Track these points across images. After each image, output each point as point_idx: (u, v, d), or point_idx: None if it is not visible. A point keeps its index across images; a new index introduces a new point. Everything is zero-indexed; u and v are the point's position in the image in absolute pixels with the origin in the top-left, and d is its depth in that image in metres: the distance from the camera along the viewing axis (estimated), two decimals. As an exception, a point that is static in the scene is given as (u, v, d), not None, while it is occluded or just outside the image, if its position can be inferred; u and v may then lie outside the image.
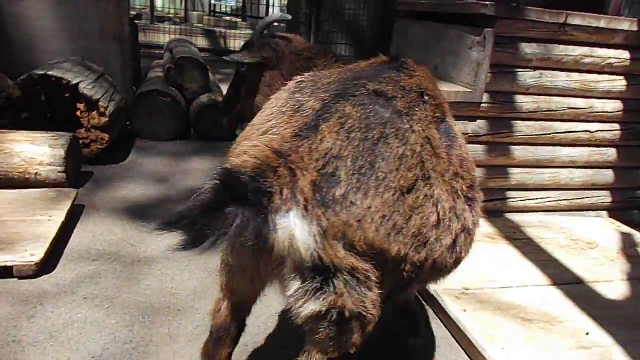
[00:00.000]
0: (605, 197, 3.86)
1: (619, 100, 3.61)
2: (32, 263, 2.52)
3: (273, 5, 14.42)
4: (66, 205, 3.08)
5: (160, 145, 4.83)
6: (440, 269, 1.53)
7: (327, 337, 1.34)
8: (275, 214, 1.14)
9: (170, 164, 4.41)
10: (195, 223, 1.06)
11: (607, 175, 3.80)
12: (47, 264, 2.63)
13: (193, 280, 2.70)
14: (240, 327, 1.74)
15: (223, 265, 1.59)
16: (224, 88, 4.21)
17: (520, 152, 3.52)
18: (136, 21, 6.45)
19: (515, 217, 3.64)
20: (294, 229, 1.16)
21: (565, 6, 3.27)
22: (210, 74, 5.41)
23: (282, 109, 1.46)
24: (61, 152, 3.41)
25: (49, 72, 3.86)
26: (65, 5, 4.53)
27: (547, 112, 3.46)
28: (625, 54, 3.47)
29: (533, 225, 3.54)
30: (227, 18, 14.73)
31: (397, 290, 1.52)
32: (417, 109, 1.49)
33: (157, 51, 8.80)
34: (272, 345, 2.25)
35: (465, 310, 2.47)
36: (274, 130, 1.38)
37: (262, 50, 2.93)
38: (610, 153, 3.74)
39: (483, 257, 2.94)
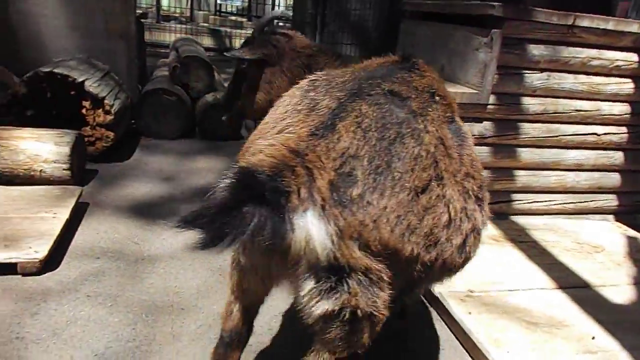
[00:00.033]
0: (611, 200, 3.83)
1: (627, 103, 3.59)
2: (36, 260, 2.52)
3: (279, 5, 14.43)
4: (71, 203, 3.09)
5: (165, 144, 4.83)
6: (450, 269, 1.53)
7: (338, 337, 1.34)
8: (293, 214, 1.14)
9: (175, 162, 4.41)
10: (214, 222, 1.05)
11: (614, 178, 3.78)
12: (51, 261, 2.63)
13: (197, 279, 2.69)
14: (250, 329, 1.74)
15: (234, 265, 1.59)
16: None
17: (526, 155, 3.50)
18: (142, 20, 6.46)
19: (521, 219, 3.61)
20: (311, 229, 1.15)
21: (572, 8, 3.25)
22: (215, 74, 5.42)
23: (297, 107, 1.46)
24: (66, 149, 3.42)
25: (55, 70, 3.86)
26: (72, 3, 4.55)
27: (554, 115, 3.44)
28: (633, 57, 3.44)
29: (538, 228, 3.52)
30: (233, 18, 14.77)
31: (407, 290, 1.52)
32: (429, 109, 1.50)
33: (163, 50, 8.83)
34: (277, 346, 2.24)
35: (470, 313, 2.45)
36: (290, 129, 1.37)
37: (263, 47, 2.91)
38: (618, 156, 3.72)
39: (488, 260, 2.92)
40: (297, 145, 1.24)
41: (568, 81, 3.39)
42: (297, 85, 1.64)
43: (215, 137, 5.06)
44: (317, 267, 1.21)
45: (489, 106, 3.25)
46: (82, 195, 3.32)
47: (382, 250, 1.25)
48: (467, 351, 2.34)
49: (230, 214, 1.06)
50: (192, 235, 1.06)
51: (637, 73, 3.50)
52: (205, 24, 12.94)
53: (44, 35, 4.52)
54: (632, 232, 3.65)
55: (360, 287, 1.25)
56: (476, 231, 1.53)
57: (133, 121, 4.89)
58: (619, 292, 2.80)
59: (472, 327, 2.35)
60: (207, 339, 2.24)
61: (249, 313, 1.70)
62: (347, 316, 1.27)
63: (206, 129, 5.07)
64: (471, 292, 2.64)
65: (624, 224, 3.78)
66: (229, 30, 11.43)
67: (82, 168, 3.72)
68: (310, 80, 1.62)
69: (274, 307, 2.43)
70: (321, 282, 1.23)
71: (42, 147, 3.38)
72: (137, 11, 5.70)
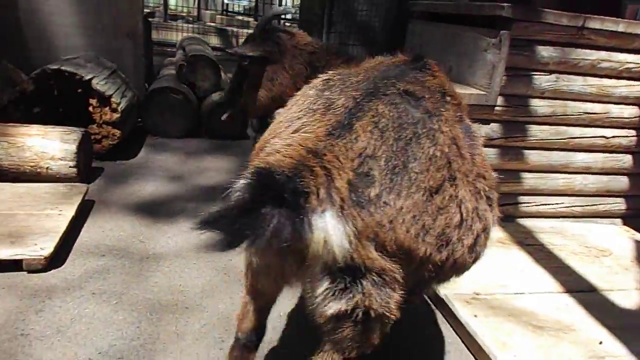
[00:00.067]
0: (619, 204, 3.80)
1: (637, 106, 3.55)
2: (42, 257, 2.52)
3: (285, 5, 14.42)
4: (76, 200, 3.09)
5: (171, 142, 4.83)
6: (459, 269, 1.53)
7: (348, 337, 1.33)
8: (312, 215, 1.13)
9: (181, 161, 4.41)
10: (234, 223, 1.05)
11: (623, 182, 3.74)
12: (57, 258, 2.63)
13: (201, 278, 2.69)
14: (264, 329, 1.75)
15: (248, 266, 1.58)
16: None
17: (534, 157, 3.47)
18: (150, 19, 6.47)
19: (528, 222, 3.59)
20: (329, 230, 1.14)
21: (581, 10, 3.22)
22: (222, 73, 5.42)
23: (313, 107, 1.45)
24: (73, 147, 3.42)
25: (63, 67, 3.87)
26: (80, 2, 4.56)
27: (563, 117, 3.41)
28: (644, 60, 3.41)
29: (545, 231, 3.49)
30: (240, 17, 14.78)
31: (416, 290, 1.52)
32: (442, 109, 1.49)
33: (170, 49, 8.84)
34: (283, 346, 2.23)
35: (476, 316, 2.43)
36: (306, 128, 1.36)
37: (265, 44, 2.89)
38: (626, 160, 3.68)
39: (495, 263, 2.90)
40: (315, 145, 1.23)
41: (577, 83, 3.36)
42: (310, 85, 1.64)
43: (221, 136, 5.05)
44: (333, 267, 1.21)
45: (496, 108, 3.23)
46: (88, 192, 3.32)
47: (397, 251, 1.25)
48: (472, 354, 2.32)
49: (249, 215, 1.06)
50: (199, 235, 1.05)
51: (648, 76, 3.48)
52: (212, 24, 12.96)
53: (52, 33, 4.54)
54: (640, 237, 3.62)
55: (375, 287, 1.24)
56: (487, 231, 1.52)
57: (139, 119, 4.89)
58: (626, 297, 2.77)
59: (478, 330, 2.33)
60: (211, 338, 2.23)
61: (263, 313, 1.71)
62: (359, 316, 1.27)
63: (212, 128, 5.06)
64: (477, 294, 2.62)
65: (632, 227, 3.75)
66: (235, 29, 11.44)
67: (88, 166, 3.73)
68: (324, 80, 1.61)
69: (277, 307, 2.42)
70: (336, 283, 1.23)
71: (48, 145, 3.39)
72: (145, 10, 5.71)
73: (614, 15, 3.51)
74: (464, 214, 1.41)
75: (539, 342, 2.31)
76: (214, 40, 10.56)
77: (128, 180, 3.84)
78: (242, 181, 1.12)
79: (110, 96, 3.99)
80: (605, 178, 3.69)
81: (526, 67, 3.23)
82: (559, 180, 3.59)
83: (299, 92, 1.65)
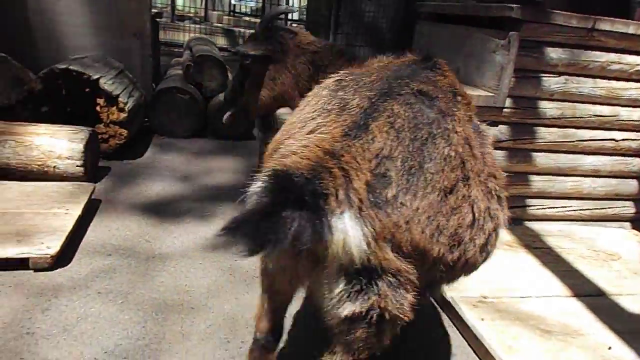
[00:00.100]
0: (628, 208, 3.76)
1: (647, 109, 3.52)
2: (48, 256, 2.52)
3: (292, 6, 14.44)
4: (83, 200, 3.10)
5: (178, 142, 4.84)
6: (470, 269, 1.52)
7: (360, 339, 1.32)
8: (332, 217, 1.12)
9: (187, 161, 4.42)
10: (258, 228, 1.04)
11: (632, 185, 3.71)
12: (63, 257, 2.64)
13: (207, 278, 2.68)
14: (282, 329, 1.74)
15: (264, 267, 1.58)
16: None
17: (542, 159, 3.45)
18: (157, 19, 6.49)
19: (535, 225, 3.56)
20: (348, 231, 1.14)
21: (591, 11, 3.20)
22: (229, 73, 5.42)
23: (327, 107, 1.44)
24: (80, 146, 3.43)
25: (71, 67, 3.89)
26: (88, 2, 4.58)
27: (572, 119, 3.39)
28: (654, 62, 3.38)
29: (553, 234, 3.46)
30: (247, 18, 14.80)
31: (428, 290, 1.51)
32: (454, 109, 1.49)
33: (177, 49, 8.88)
34: (291, 346, 2.21)
35: (483, 319, 2.41)
36: (321, 129, 1.35)
37: (267, 43, 2.85)
38: (636, 163, 3.65)
39: (502, 266, 2.88)
40: (332, 146, 1.22)
41: (586, 85, 3.33)
42: (322, 85, 1.63)
43: (227, 136, 5.06)
44: (350, 268, 1.20)
45: (505, 109, 3.21)
46: (95, 192, 3.33)
47: (412, 252, 1.25)
48: (479, 358, 2.30)
49: (270, 219, 1.05)
50: (205, 235, 1.04)
51: (658, 78, 3.44)
52: (219, 24, 12.99)
53: (60, 33, 4.56)
54: (649, 241, 3.58)
55: (390, 289, 1.23)
56: (498, 231, 1.52)
57: (146, 119, 4.90)
58: (635, 301, 2.74)
59: (484, 333, 2.31)
60: (216, 338, 2.22)
61: (279, 313, 1.71)
62: (373, 318, 1.26)
63: (219, 128, 5.07)
64: (484, 297, 2.60)
65: (641, 231, 3.72)
66: (242, 30, 11.46)
67: (95, 165, 3.74)
68: (336, 80, 1.60)
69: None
70: (352, 284, 1.22)
71: (56, 144, 3.40)
72: (152, 10, 5.73)
73: (624, 16, 3.48)
74: (477, 214, 1.40)
75: (547, 346, 2.28)
76: (221, 41, 10.58)
77: (135, 180, 3.85)
78: (259, 183, 1.11)
79: (118, 96, 4.00)
80: (614, 181, 3.66)
81: (535, 69, 3.21)
82: (568, 183, 3.56)
83: (310, 93, 1.64)
